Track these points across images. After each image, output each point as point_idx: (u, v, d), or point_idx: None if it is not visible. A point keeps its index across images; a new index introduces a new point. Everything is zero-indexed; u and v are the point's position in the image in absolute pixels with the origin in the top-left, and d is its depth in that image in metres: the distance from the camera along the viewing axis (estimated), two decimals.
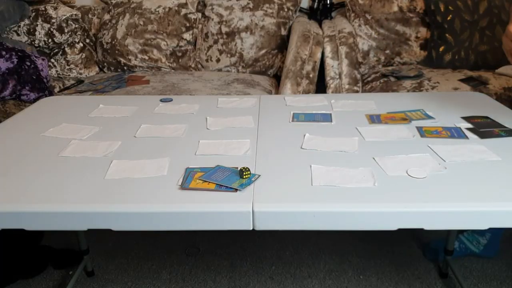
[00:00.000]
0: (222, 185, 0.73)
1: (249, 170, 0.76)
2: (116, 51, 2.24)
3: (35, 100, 1.84)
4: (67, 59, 2.23)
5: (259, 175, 0.77)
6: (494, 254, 1.52)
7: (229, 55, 2.20)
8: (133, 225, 0.69)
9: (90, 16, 2.40)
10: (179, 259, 1.57)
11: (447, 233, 1.44)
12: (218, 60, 2.22)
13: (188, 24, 2.23)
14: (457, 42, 2.00)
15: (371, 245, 1.61)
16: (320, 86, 1.95)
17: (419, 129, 0.98)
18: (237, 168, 0.79)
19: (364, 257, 1.56)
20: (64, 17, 2.15)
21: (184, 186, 0.73)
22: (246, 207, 0.68)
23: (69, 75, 2.25)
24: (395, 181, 0.74)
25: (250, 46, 2.18)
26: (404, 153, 0.85)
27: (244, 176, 0.75)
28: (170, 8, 2.24)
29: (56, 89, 1.98)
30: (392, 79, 1.90)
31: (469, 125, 0.99)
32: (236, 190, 0.72)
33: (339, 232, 1.68)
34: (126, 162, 0.84)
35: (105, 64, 2.30)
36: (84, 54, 2.28)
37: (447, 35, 2.02)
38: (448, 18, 2.02)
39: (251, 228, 0.68)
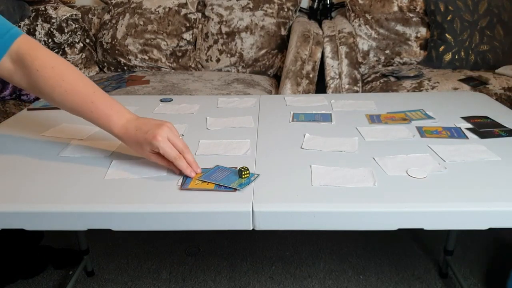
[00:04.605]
0: (221, 185, 0.73)
1: (248, 169, 0.76)
2: (116, 51, 2.24)
3: (35, 100, 1.84)
4: (67, 59, 2.23)
5: (258, 175, 0.77)
6: None
7: (229, 55, 2.20)
8: (133, 225, 0.69)
9: (90, 16, 2.40)
10: (179, 259, 1.57)
11: (447, 233, 1.44)
12: (218, 60, 2.22)
13: (188, 24, 2.23)
14: (457, 42, 2.00)
15: (371, 245, 1.61)
16: (320, 86, 1.95)
17: (419, 129, 0.98)
18: (236, 168, 0.79)
19: (364, 257, 1.56)
20: (64, 17, 2.15)
21: (183, 187, 0.73)
22: (246, 207, 0.68)
23: None
24: (395, 181, 0.74)
25: (250, 46, 2.18)
26: (404, 153, 0.85)
27: (243, 176, 0.75)
28: (170, 8, 2.24)
29: None
30: (392, 79, 1.90)
31: (469, 125, 0.99)
32: (235, 190, 0.72)
33: (339, 232, 1.68)
34: (126, 162, 0.84)
35: (105, 64, 2.30)
36: (84, 54, 2.28)
37: (447, 35, 2.02)
38: (448, 18, 2.02)
39: (251, 228, 0.68)
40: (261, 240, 1.66)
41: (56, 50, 2.22)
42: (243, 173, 0.75)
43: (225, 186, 0.73)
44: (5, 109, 1.87)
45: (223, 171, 0.78)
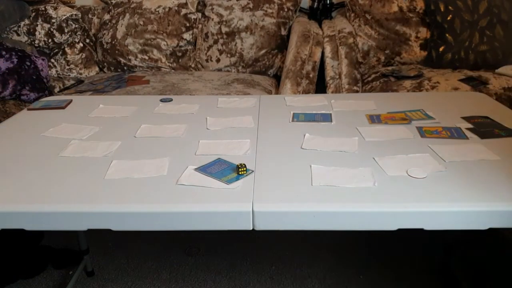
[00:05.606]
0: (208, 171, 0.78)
1: (245, 166, 0.78)
2: (116, 51, 2.24)
3: (35, 100, 1.84)
4: (67, 59, 2.23)
5: (252, 171, 0.78)
6: None
7: (229, 55, 2.20)
8: (132, 225, 0.69)
9: (90, 16, 2.40)
10: (179, 259, 1.57)
11: (447, 233, 1.44)
12: (218, 60, 2.22)
13: (188, 24, 2.23)
14: (457, 42, 2.00)
15: (371, 245, 1.61)
16: (320, 86, 1.94)
17: (419, 129, 0.98)
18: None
19: (364, 257, 1.56)
20: (64, 17, 2.15)
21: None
22: (246, 207, 0.68)
23: (69, 75, 2.25)
24: (395, 181, 0.74)
25: (250, 46, 2.18)
26: (404, 153, 0.85)
27: (240, 172, 0.77)
28: (170, 8, 2.24)
29: (56, 89, 1.98)
30: (392, 79, 1.90)
31: (469, 125, 0.99)
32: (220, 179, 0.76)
33: (339, 232, 1.68)
34: (126, 162, 0.84)
35: (105, 64, 2.30)
36: (84, 54, 2.28)
37: (447, 35, 2.02)
38: (448, 18, 2.02)
39: (251, 228, 0.68)
40: (261, 240, 1.66)
41: (56, 50, 2.22)
42: (240, 169, 0.77)
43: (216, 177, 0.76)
44: (5, 109, 1.87)
45: (221, 165, 0.81)
